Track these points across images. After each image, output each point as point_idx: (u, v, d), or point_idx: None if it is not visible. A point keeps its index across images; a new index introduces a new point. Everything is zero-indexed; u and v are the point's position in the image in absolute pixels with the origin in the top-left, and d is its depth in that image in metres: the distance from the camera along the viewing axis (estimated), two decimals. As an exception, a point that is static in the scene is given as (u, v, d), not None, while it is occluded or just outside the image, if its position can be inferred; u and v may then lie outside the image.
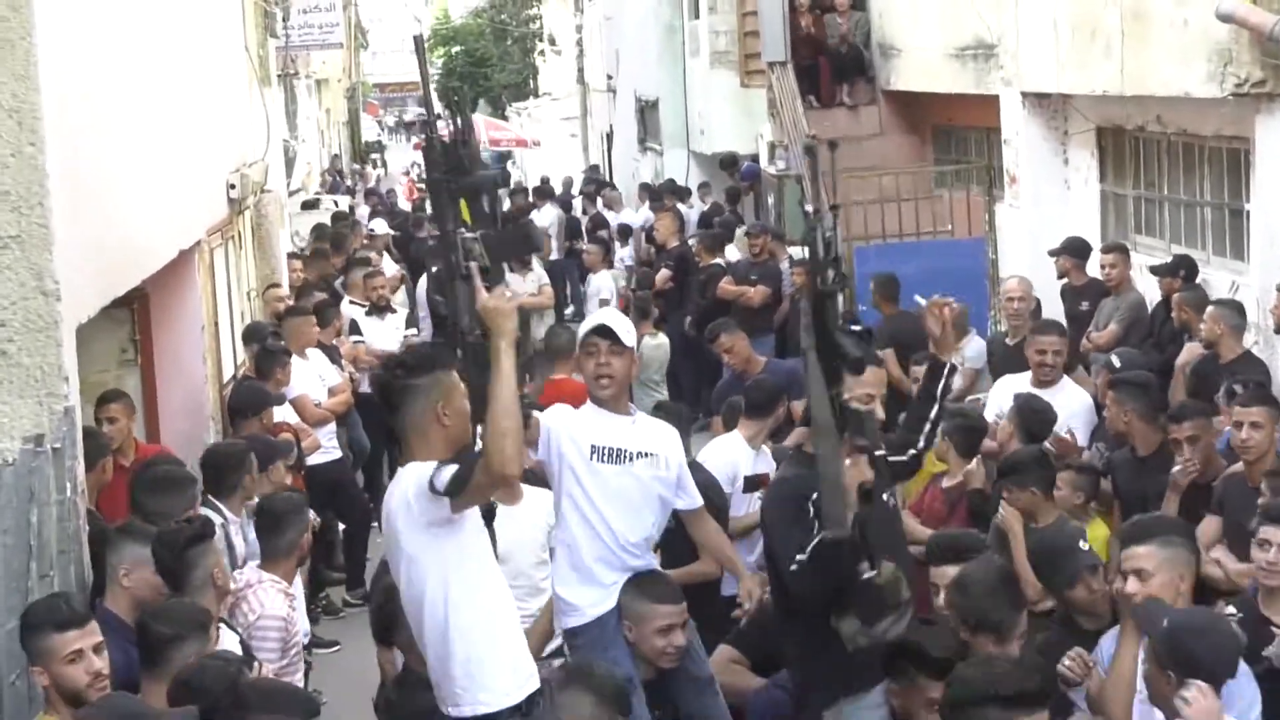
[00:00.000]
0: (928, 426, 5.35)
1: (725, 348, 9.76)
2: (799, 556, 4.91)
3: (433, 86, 4.91)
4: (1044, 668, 4.73)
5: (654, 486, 5.48)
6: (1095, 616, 5.34)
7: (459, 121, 4.56)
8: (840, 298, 4.69)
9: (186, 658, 4.85)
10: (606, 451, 5.40)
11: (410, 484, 4.42)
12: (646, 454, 5.46)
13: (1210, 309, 8.53)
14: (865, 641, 4.74)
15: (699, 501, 5.67)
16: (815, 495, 4.76)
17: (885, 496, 5.04)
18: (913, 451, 5.32)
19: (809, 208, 4.82)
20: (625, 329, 5.55)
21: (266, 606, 6.00)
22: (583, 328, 5.68)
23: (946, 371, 5.34)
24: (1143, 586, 4.74)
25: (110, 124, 7.14)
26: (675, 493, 5.57)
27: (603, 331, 5.45)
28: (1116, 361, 8.29)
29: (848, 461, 4.59)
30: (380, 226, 17.96)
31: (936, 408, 5.36)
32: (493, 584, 4.61)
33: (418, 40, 4.97)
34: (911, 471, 5.60)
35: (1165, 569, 4.77)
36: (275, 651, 5.91)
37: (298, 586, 6.64)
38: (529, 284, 14.18)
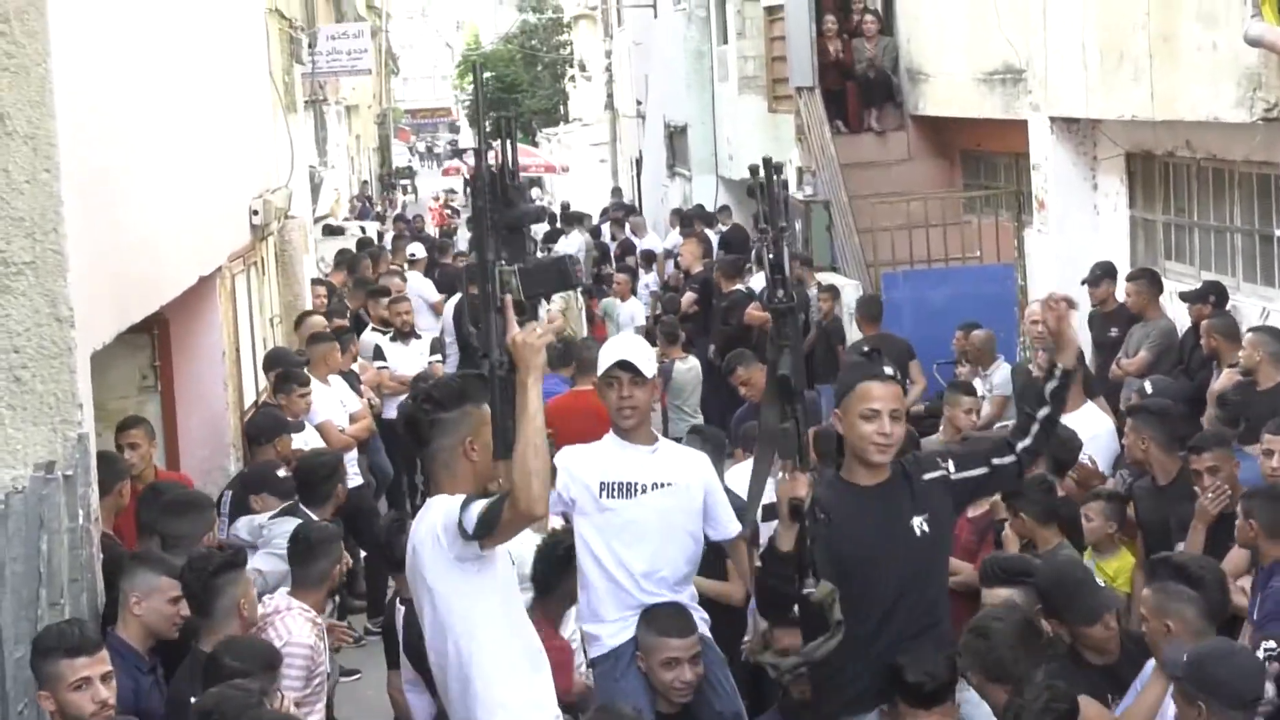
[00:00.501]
0: (1035, 427, 4.90)
1: (742, 380, 9.60)
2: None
3: (474, 116, 4.85)
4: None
5: (674, 517, 5.40)
6: (1105, 653, 5.30)
7: (507, 152, 4.44)
8: (797, 316, 4.60)
9: None
10: (616, 486, 5.36)
11: (439, 518, 4.36)
12: (663, 484, 5.39)
13: (1249, 335, 8.40)
14: (789, 664, 4.67)
15: (732, 531, 5.52)
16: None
17: (918, 522, 4.77)
18: (1010, 459, 4.89)
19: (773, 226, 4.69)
20: (646, 360, 5.52)
21: (294, 634, 5.91)
22: (603, 357, 5.63)
23: (1060, 374, 4.89)
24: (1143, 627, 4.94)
25: (128, 149, 7.12)
26: (705, 522, 5.49)
27: (625, 365, 5.43)
28: (1149, 388, 8.18)
29: (784, 474, 4.50)
30: (419, 251, 18.02)
31: (1048, 410, 4.91)
32: (518, 621, 4.54)
33: (475, 66, 4.97)
34: (1011, 479, 5.10)
35: (1154, 615, 4.93)
36: (299, 680, 5.82)
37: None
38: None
